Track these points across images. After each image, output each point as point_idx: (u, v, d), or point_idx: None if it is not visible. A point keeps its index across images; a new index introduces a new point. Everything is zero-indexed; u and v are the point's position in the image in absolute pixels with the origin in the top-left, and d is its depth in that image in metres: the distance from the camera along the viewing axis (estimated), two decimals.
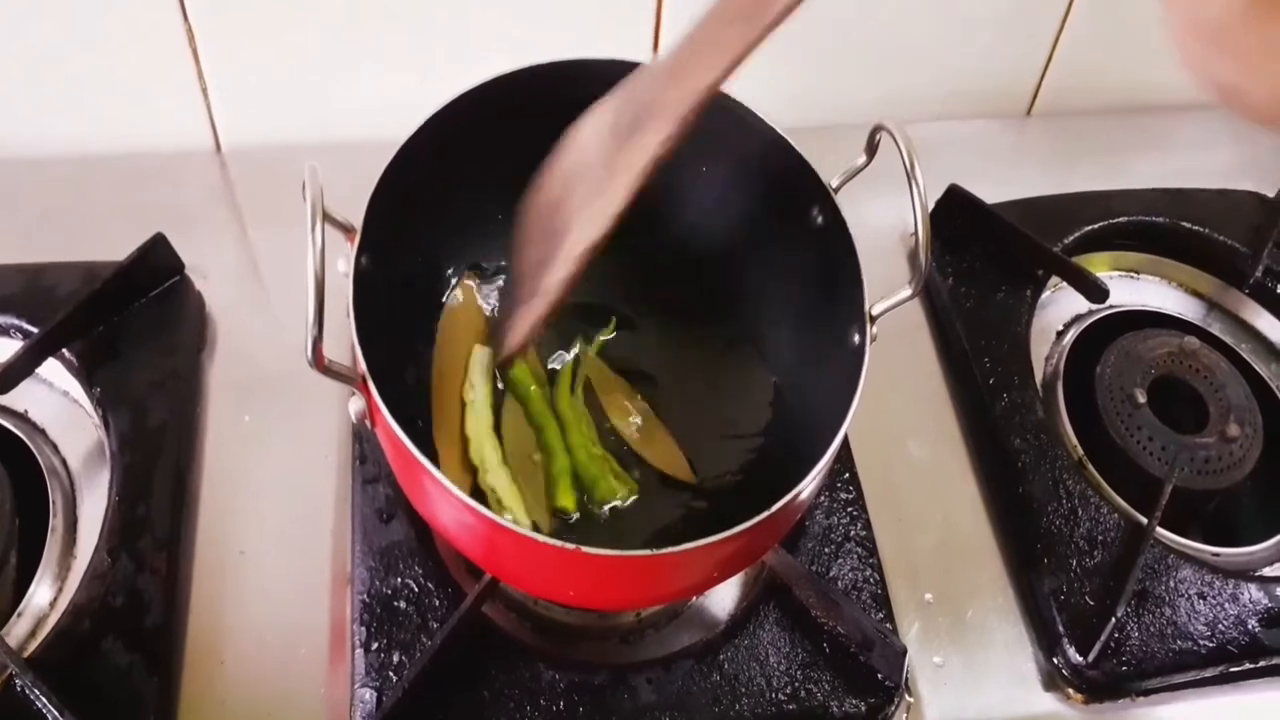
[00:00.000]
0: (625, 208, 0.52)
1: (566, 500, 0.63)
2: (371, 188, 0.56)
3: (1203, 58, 0.30)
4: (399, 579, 0.62)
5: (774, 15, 0.46)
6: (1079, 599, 0.66)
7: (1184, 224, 0.86)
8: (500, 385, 0.68)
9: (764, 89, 0.60)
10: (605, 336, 0.70)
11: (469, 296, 0.70)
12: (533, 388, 0.67)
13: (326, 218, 0.49)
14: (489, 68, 0.60)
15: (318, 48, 0.81)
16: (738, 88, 0.55)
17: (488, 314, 0.70)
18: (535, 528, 0.62)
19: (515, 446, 0.65)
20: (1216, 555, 0.72)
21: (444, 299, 0.70)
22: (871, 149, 0.58)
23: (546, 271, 0.55)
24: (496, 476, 0.63)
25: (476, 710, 0.58)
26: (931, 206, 0.74)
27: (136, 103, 0.82)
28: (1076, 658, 0.64)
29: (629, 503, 0.64)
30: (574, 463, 0.64)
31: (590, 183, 0.54)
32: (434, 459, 0.55)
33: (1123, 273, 0.88)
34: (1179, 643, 0.65)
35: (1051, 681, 0.65)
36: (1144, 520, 0.69)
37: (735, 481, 0.66)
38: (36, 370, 0.69)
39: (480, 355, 0.67)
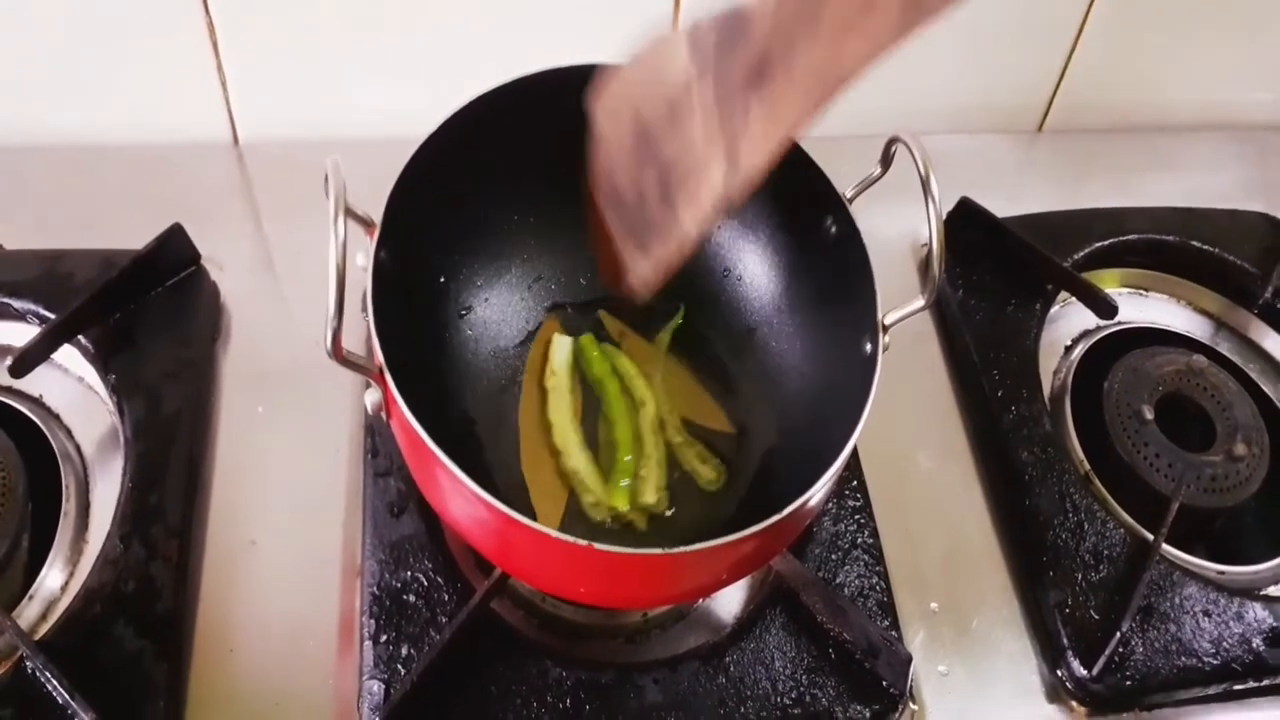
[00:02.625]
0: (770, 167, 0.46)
1: (649, 496, 0.64)
2: (388, 184, 0.56)
3: None
4: (409, 573, 0.62)
5: (930, 14, 0.38)
6: (1084, 613, 0.66)
7: (1194, 243, 0.86)
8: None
9: None
10: (675, 324, 0.71)
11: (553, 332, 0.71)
12: (612, 389, 0.68)
13: (348, 211, 0.49)
14: (505, 73, 0.61)
15: (337, 44, 0.82)
16: None
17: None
18: (613, 513, 0.64)
19: (607, 440, 0.67)
20: (1222, 573, 0.72)
21: (469, 301, 0.70)
22: (887, 160, 0.59)
23: (668, 206, 0.49)
24: (577, 459, 0.65)
25: (484, 705, 0.59)
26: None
27: (156, 94, 0.83)
28: (1080, 671, 0.64)
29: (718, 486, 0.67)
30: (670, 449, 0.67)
31: (708, 120, 0.47)
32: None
33: (1132, 290, 0.88)
34: (1183, 659, 0.65)
35: (1055, 694, 0.65)
36: (1150, 536, 0.69)
37: (745, 485, 0.66)
38: (52, 356, 0.69)
39: (561, 343, 0.69)
